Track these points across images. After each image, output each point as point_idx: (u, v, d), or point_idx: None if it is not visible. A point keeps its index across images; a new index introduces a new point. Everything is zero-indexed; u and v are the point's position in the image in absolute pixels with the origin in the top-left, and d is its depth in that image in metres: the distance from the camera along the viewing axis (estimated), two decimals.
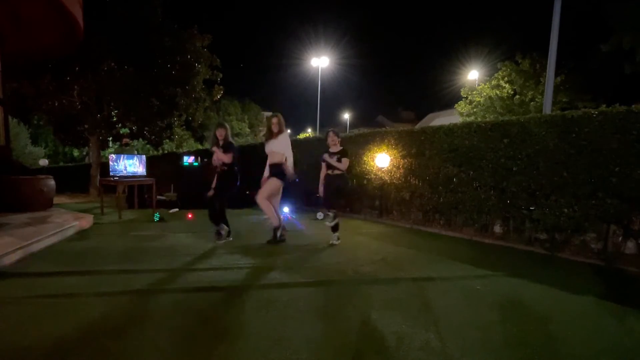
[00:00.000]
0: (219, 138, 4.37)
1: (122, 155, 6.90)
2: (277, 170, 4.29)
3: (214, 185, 4.41)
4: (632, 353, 2.00)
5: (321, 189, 4.54)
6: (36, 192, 5.93)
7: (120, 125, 13.14)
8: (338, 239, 4.39)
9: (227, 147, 4.32)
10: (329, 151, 4.46)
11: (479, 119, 10.93)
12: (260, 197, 4.24)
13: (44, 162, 10.60)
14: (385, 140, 6.31)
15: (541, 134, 4.25)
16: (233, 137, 4.58)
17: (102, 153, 14.18)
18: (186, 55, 12.17)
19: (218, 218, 4.43)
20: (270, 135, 4.35)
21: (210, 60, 13.11)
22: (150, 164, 7.78)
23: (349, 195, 4.75)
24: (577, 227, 4.03)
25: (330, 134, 4.48)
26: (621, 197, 3.70)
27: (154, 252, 3.88)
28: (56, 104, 11.60)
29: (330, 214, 4.34)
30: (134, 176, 6.89)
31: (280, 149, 4.30)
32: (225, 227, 4.46)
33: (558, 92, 13.63)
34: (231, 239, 4.47)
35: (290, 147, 4.37)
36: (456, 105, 18.61)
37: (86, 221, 5.38)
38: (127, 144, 9.24)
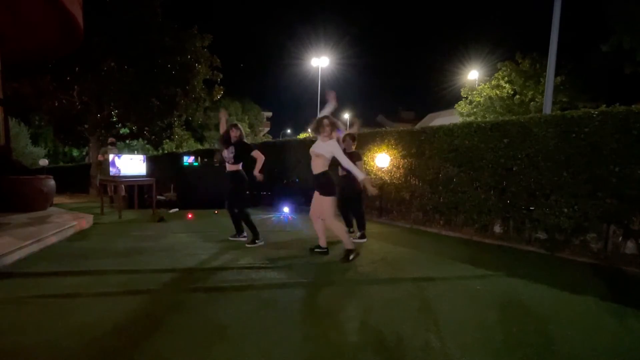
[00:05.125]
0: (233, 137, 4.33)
1: (122, 155, 6.90)
2: (320, 183, 3.66)
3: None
4: (632, 353, 2.00)
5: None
6: (36, 192, 5.92)
7: (120, 125, 13.15)
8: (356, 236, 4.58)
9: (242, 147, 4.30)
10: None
11: (479, 119, 10.93)
12: (313, 216, 3.81)
13: (44, 162, 10.56)
14: (385, 140, 6.31)
15: (541, 134, 4.25)
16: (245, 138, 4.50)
17: None
18: (186, 56, 12.18)
19: (239, 223, 4.47)
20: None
21: (211, 61, 13.12)
22: (150, 164, 7.78)
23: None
24: (577, 227, 4.02)
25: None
26: (621, 197, 3.70)
27: (154, 252, 3.88)
28: (56, 104, 11.62)
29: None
30: (133, 176, 6.89)
31: (325, 152, 3.59)
32: (248, 234, 4.40)
33: (558, 92, 13.63)
34: (261, 243, 4.32)
35: (340, 150, 3.54)
36: (456, 105, 18.61)
37: (86, 221, 5.38)
38: (113, 143, 9.23)
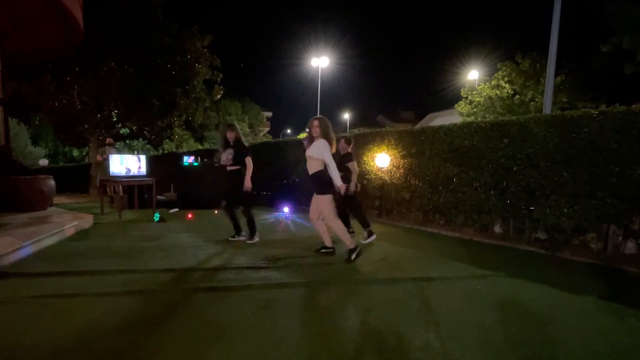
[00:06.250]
0: (229, 139, 4.39)
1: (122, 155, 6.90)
2: (317, 182, 3.66)
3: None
4: (632, 353, 2.00)
5: None
6: (36, 192, 5.92)
7: (120, 125, 13.14)
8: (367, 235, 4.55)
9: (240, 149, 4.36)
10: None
11: (479, 119, 10.94)
12: (313, 218, 3.84)
13: (43, 162, 10.57)
14: (385, 140, 6.31)
15: (541, 134, 4.25)
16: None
17: None
18: (186, 56, 12.18)
19: (237, 223, 4.53)
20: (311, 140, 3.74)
21: (211, 61, 13.12)
22: (150, 164, 7.78)
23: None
24: (577, 227, 4.02)
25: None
26: (621, 197, 3.70)
27: (154, 252, 3.88)
28: (56, 104, 11.60)
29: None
30: (134, 176, 6.89)
31: (314, 153, 3.64)
32: (246, 230, 4.50)
33: (558, 92, 13.61)
34: (257, 239, 4.48)
35: (329, 153, 3.58)
36: (456, 105, 18.59)
37: (86, 221, 5.38)
38: (111, 144, 9.24)
